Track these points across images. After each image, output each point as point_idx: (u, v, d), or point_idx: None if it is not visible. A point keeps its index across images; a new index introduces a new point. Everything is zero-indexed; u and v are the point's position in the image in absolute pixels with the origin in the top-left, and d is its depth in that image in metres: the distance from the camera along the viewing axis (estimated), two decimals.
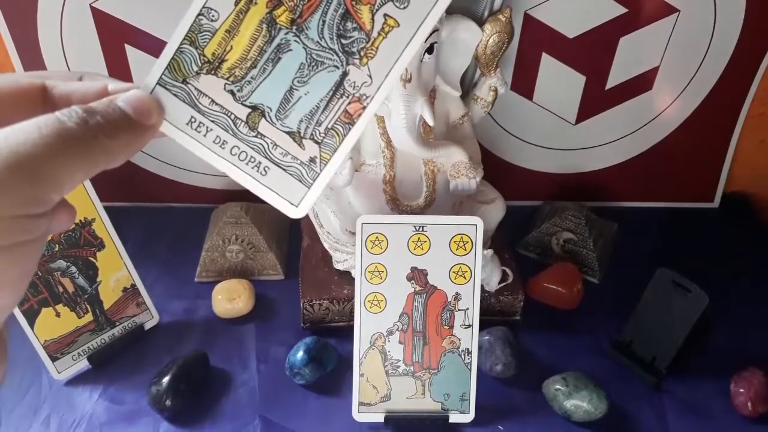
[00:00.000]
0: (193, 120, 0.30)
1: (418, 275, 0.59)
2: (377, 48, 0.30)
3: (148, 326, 0.70)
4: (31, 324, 0.62)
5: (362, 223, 0.58)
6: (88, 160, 0.25)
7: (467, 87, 0.71)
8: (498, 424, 0.62)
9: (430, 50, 0.61)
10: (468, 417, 0.61)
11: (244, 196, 0.75)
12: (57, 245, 0.63)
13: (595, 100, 0.83)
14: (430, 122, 0.61)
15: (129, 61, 0.76)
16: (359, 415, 0.61)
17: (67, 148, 0.25)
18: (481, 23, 0.65)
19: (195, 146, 0.31)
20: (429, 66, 0.62)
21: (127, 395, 0.64)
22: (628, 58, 0.79)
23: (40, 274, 0.62)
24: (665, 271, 0.65)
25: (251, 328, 0.71)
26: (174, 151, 0.84)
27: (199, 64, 0.30)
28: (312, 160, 0.31)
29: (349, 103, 0.31)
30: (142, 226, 0.83)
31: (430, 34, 0.60)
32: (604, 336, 0.70)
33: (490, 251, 0.66)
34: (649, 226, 0.88)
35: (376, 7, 0.30)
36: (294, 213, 0.32)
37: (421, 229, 0.59)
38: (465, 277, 0.59)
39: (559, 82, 0.81)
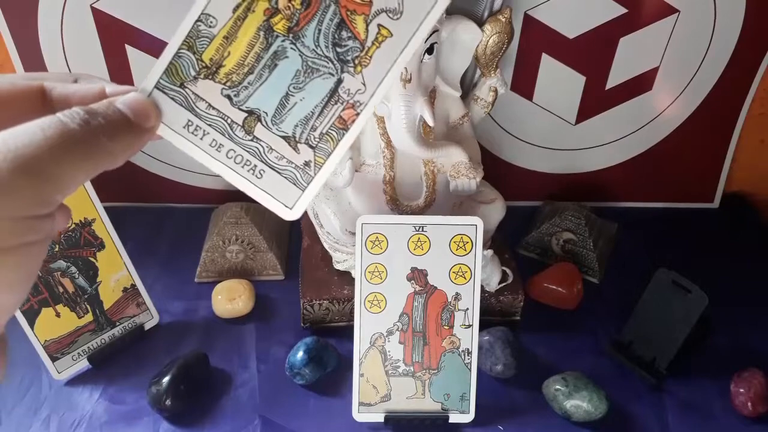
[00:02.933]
0: (190, 123, 0.31)
1: (418, 275, 0.59)
2: (371, 57, 0.31)
3: (148, 326, 0.70)
4: (31, 324, 0.62)
5: (362, 224, 0.58)
6: (90, 160, 0.26)
7: (467, 87, 0.71)
8: (498, 425, 0.62)
9: (430, 51, 0.61)
10: (468, 417, 0.61)
11: (244, 196, 0.75)
12: (57, 245, 0.63)
13: (595, 101, 0.83)
14: (430, 123, 0.61)
15: (129, 61, 0.76)
16: (359, 415, 0.61)
17: (70, 149, 0.25)
18: (481, 24, 0.65)
19: (191, 149, 0.31)
20: (429, 66, 0.62)
21: (127, 395, 0.64)
22: (628, 59, 0.79)
23: (40, 274, 0.62)
24: (665, 272, 0.65)
25: (251, 328, 0.71)
26: (174, 152, 0.84)
27: (197, 69, 0.31)
28: (306, 164, 0.32)
29: (344, 110, 0.31)
30: (142, 226, 0.83)
31: (430, 35, 0.60)
32: (604, 336, 0.70)
33: (490, 251, 0.67)
34: (649, 227, 0.88)
35: (370, 18, 0.31)
36: (288, 215, 0.32)
37: (421, 230, 0.59)
38: (465, 278, 0.59)
39: (559, 82, 0.81)
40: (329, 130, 0.32)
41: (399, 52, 0.31)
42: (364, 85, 0.31)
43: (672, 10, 0.76)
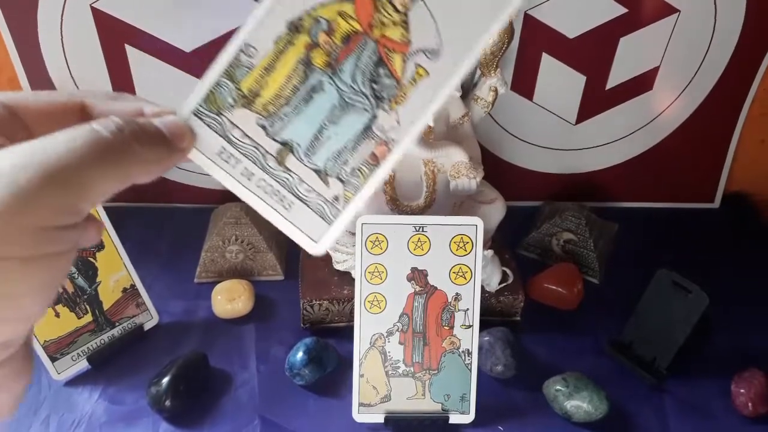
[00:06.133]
0: (223, 150, 0.31)
1: (418, 276, 0.59)
2: (407, 95, 0.31)
3: (147, 327, 0.70)
4: None
5: (362, 224, 0.58)
6: (121, 169, 0.25)
7: (467, 87, 0.71)
8: (498, 425, 0.62)
9: None
10: (468, 418, 0.61)
11: None
12: None
13: (596, 100, 0.83)
14: (430, 122, 0.61)
15: (129, 61, 0.76)
16: (359, 416, 0.61)
17: (100, 157, 0.24)
18: None
19: (222, 176, 0.32)
20: None
21: (126, 396, 0.64)
22: (629, 58, 0.79)
23: None
24: (665, 272, 0.65)
25: (251, 328, 0.71)
26: None
27: (235, 98, 0.31)
28: (336, 198, 0.32)
29: (377, 146, 0.31)
30: (142, 226, 0.83)
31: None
32: (604, 336, 0.70)
33: (490, 252, 0.66)
34: (650, 227, 0.88)
35: (408, 56, 0.31)
36: (314, 249, 0.32)
37: (421, 230, 0.58)
38: (465, 278, 0.59)
39: (560, 82, 0.81)
40: (361, 166, 0.32)
41: (435, 92, 0.31)
42: (398, 122, 0.31)
43: (672, 10, 0.76)
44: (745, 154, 0.89)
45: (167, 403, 0.60)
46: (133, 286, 0.68)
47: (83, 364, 0.66)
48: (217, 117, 0.31)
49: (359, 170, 0.31)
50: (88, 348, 0.66)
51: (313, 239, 0.32)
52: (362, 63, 0.31)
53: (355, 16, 0.30)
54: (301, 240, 0.32)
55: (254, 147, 0.31)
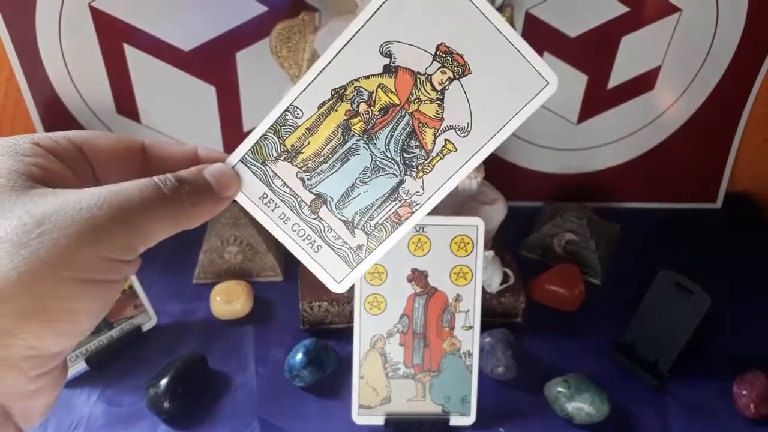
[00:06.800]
0: (265, 196, 0.35)
1: (418, 276, 0.59)
2: (433, 166, 0.35)
3: (146, 328, 0.70)
4: None
5: None
6: (173, 221, 0.30)
7: None
8: (499, 427, 0.62)
9: None
10: (469, 420, 0.61)
11: None
12: None
13: (597, 100, 0.82)
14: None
15: (128, 60, 0.76)
16: (359, 418, 0.60)
17: (159, 209, 0.29)
18: None
19: (262, 217, 0.36)
20: None
21: (124, 397, 0.63)
22: (630, 58, 0.79)
23: None
24: (667, 273, 0.64)
25: (250, 329, 0.71)
26: None
27: (279, 152, 0.35)
28: (359, 247, 0.36)
29: (400, 206, 0.35)
30: None
31: None
32: (606, 338, 0.70)
33: (491, 252, 0.66)
34: (652, 227, 0.87)
35: (439, 132, 0.34)
36: (336, 288, 0.37)
37: (421, 230, 0.58)
38: (466, 279, 0.59)
39: (561, 81, 0.80)
40: (384, 222, 0.36)
41: (459, 167, 0.35)
42: (422, 188, 0.35)
43: (674, 9, 0.76)
44: (748, 153, 0.88)
45: (166, 404, 0.60)
46: (131, 287, 0.68)
47: (81, 366, 0.65)
48: (261, 166, 0.35)
49: (383, 226, 0.36)
50: (86, 349, 0.65)
51: (336, 280, 0.37)
52: (396, 133, 0.35)
53: (394, 89, 0.34)
54: (325, 279, 0.36)
55: (292, 196, 0.35)
